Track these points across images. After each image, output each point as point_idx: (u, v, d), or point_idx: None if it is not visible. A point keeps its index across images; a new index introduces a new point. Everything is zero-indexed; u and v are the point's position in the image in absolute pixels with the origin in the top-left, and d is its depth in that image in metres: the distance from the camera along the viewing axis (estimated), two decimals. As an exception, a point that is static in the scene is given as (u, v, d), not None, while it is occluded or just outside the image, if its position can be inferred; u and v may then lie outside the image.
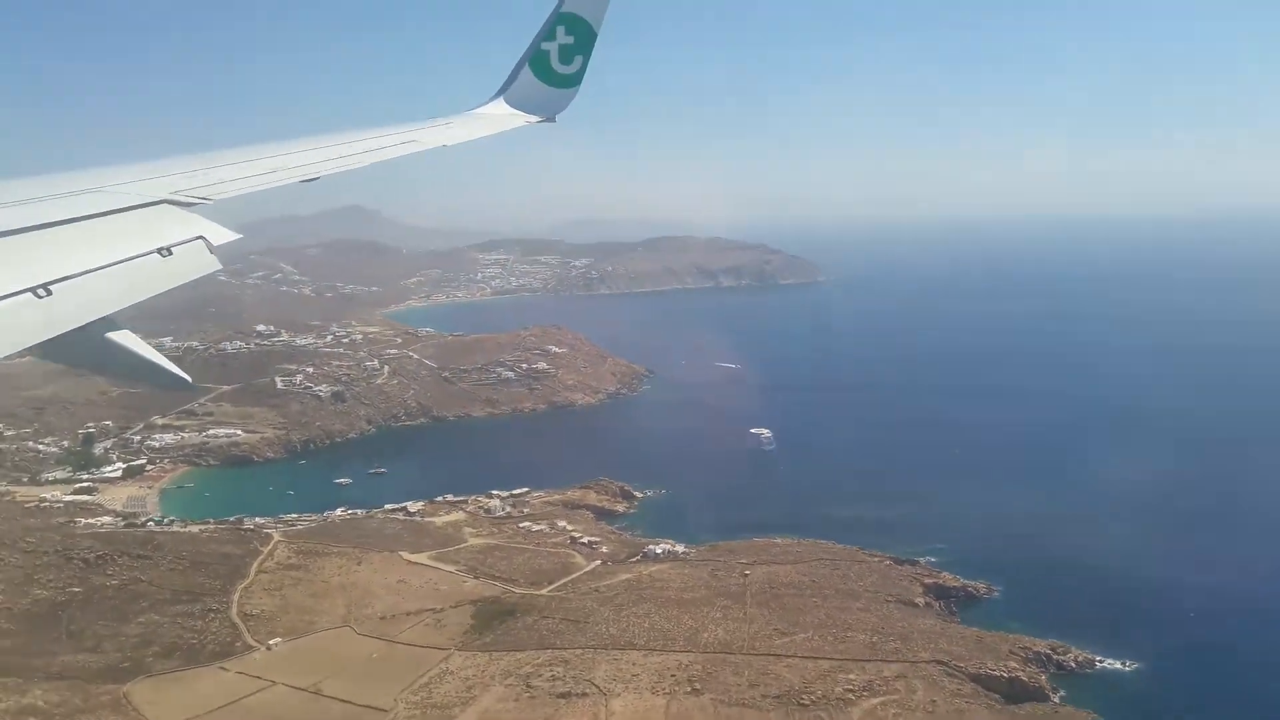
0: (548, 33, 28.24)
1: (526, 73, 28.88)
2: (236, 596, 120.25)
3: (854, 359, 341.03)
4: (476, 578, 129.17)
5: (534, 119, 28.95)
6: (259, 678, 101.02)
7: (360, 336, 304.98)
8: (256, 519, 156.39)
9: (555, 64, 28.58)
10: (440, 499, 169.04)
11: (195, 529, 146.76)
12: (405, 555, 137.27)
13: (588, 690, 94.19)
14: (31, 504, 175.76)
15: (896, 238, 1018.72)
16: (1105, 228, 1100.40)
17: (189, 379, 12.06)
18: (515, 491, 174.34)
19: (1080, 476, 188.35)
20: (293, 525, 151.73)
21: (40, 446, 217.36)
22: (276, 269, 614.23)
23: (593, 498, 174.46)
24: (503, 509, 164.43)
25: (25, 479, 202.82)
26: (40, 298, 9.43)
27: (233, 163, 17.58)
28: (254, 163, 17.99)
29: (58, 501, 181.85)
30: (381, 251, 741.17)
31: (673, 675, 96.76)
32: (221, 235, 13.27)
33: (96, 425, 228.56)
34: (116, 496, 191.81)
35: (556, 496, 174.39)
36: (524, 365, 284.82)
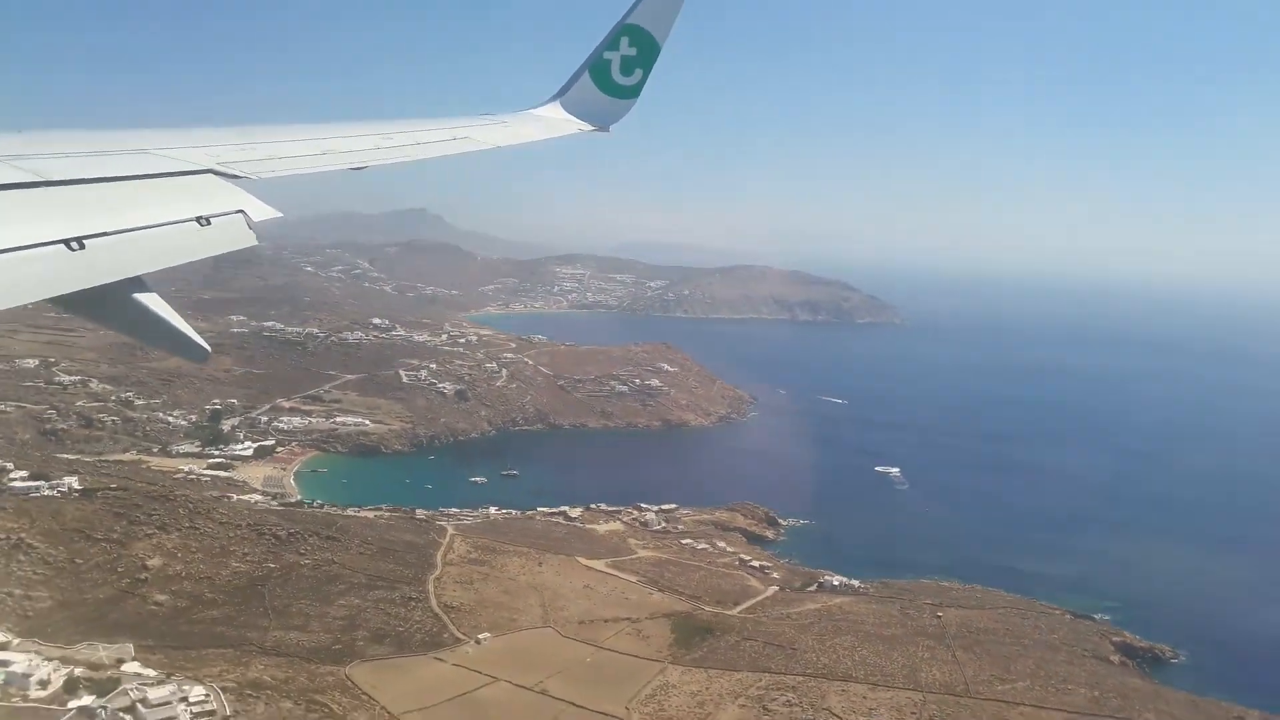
0: (611, 42, 27.52)
1: (586, 80, 28.19)
2: (431, 587, 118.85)
3: (952, 402, 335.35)
4: (661, 590, 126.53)
5: (588, 127, 28.27)
6: (478, 672, 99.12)
7: (475, 338, 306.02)
8: (418, 511, 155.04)
9: (616, 74, 27.94)
10: (594, 507, 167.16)
11: (370, 514, 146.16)
12: (582, 560, 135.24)
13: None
14: (179, 475, 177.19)
15: (962, 284, 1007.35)
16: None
17: (208, 348, 11.42)
18: (664, 507, 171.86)
19: (1231, 534, 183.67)
20: (458, 520, 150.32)
21: (170, 419, 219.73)
22: (355, 265, 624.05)
23: (740, 520, 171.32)
24: (658, 523, 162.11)
25: (156, 449, 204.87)
26: (73, 250, 9.25)
27: (282, 139, 16.92)
28: (304, 142, 17.31)
29: (203, 474, 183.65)
30: (457, 255, 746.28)
31: (913, 714, 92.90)
32: (262, 211, 12.73)
33: (222, 402, 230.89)
34: (252, 475, 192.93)
35: (705, 516, 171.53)
36: (637, 381, 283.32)
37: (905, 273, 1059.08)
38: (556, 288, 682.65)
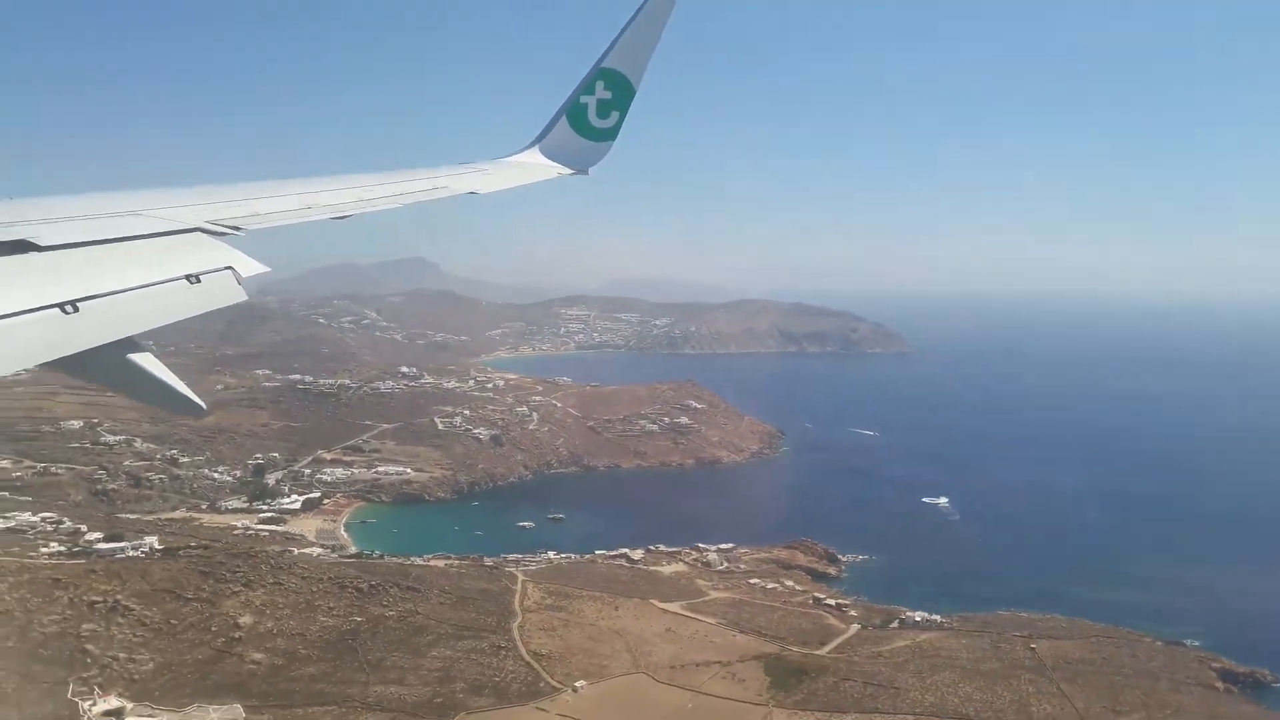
0: (587, 87, 27.93)
1: (563, 124, 28.55)
2: (517, 635, 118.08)
3: (983, 430, 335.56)
4: (743, 632, 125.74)
5: (567, 171, 28.61)
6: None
7: (502, 383, 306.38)
8: (485, 558, 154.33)
9: (592, 118, 28.34)
10: (654, 549, 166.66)
11: (439, 563, 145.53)
12: (657, 604, 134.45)
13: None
14: (236, 531, 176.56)
15: (964, 310, 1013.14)
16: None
17: (203, 405, 11.58)
18: (722, 546, 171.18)
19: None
20: (524, 565, 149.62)
21: (215, 475, 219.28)
22: (363, 315, 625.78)
23: (801, 558, 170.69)
24: (720, 563, 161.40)
25: (204, 505, 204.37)
26: (67, 314, 9.42)
27: (266, 196, 17.49)
28: (287, 197, 17.87)
29: (259, 529, 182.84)
30: (459, 302, 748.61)
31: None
32: (250, 267, 13.04)
33: (265, 457, 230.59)
34: (304, 528, 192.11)
35: (764, 554, 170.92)
36: (666, 419, 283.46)
37: (903, 301, 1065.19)
38: (563, 329, 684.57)
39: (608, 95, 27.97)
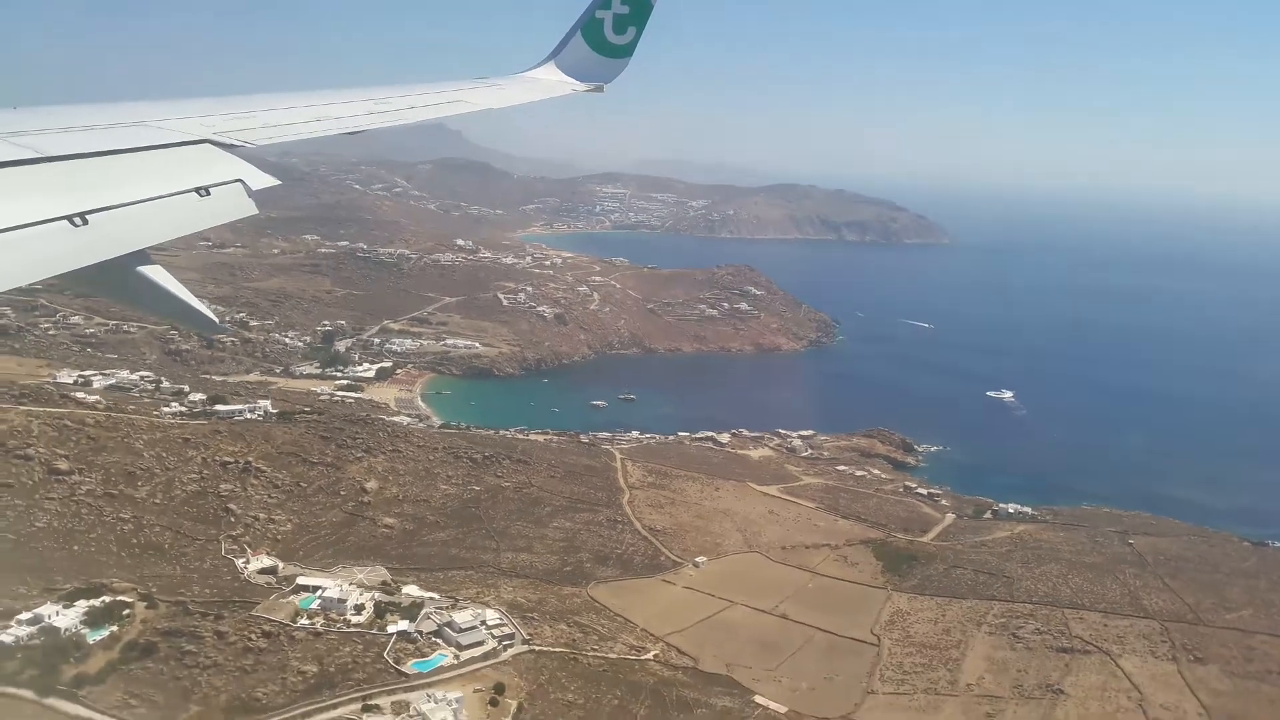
0: (603, 2, 27.34)
1: (578, 40, 27.95)
2: (629, 510, 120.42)
3: (1036, 324, 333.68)
4: (844, 517, 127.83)
5: (583, 86, 28.03)
6: (712, 595, 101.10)
7: (560, 260, 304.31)
8: (582, 435, 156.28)
9: (608, 33, 27.74)
10: (738, 433, 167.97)
11: (539, 437, 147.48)
12: (754, 486, 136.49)
13: (1084, 648, 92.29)
14: (324, 397, 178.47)
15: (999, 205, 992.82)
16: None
17: (217, 320, 11.53)
18: (803, 433, 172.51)
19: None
20: (616, 444, 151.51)
21: (286, 340, 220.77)
22: (394, 182, 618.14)
23: (880, 447, 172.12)
24: (805, 449, 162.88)
25: (278, 370, 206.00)
26: (76, 226, 9.30)
27: (276, 108, 17.06)
28: (298, 109, 17.50)
29: (344, 396, 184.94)
30: (490, 174, 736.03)
31: (1162, 640, 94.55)
32: (260, 180, 12.76)
33: (332, 324, 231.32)
34: (383, 395, 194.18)
35: (844, 442, 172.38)
36: (725, 304, 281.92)
37: (940, 193, 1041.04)
38: (598, 208, 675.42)
39: (624, 10, 27.40)
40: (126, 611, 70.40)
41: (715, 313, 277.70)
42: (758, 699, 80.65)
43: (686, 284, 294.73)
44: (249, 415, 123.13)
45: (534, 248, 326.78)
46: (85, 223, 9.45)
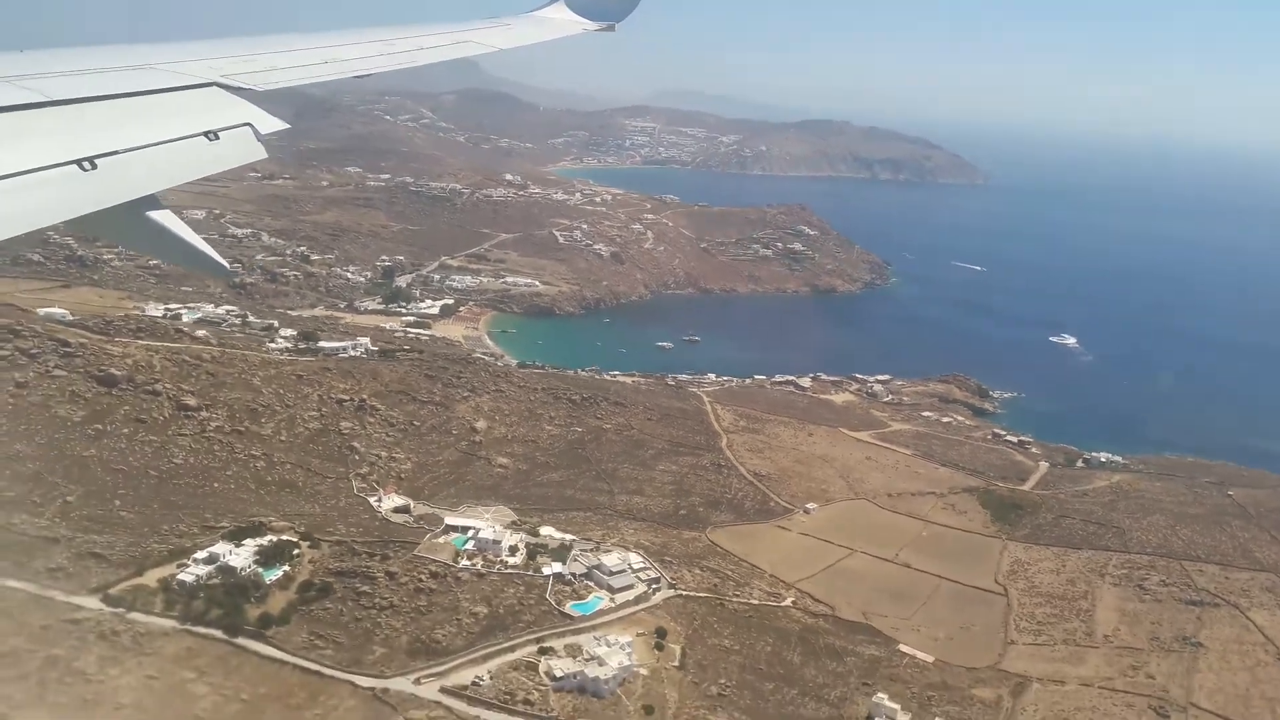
0: None
1: None
2: (730, 454, 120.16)
3: (1088, 268, 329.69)
4: (941, 464, 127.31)
5: (594, 25, 27.59)
6: (829, 542, 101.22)
7: (610, 197, 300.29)
8: (668, 377, 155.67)
9: None
10: (818, 377, 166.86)
11: (625, 379, 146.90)
12: (846, 431, 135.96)
13: (1212, 601, 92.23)
14: (399, 333, 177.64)
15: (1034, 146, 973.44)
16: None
17: (227, 265, 11.52)
18: (880, 378, 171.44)
19: None
20: (699, 386, 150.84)
21: (347, 274, 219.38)
22: (420, 113, 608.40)
23: (957, 393, 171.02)
24: (885, 394, 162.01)
25: (342, 305, 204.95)
26: (85, 170, 9.26)
27: (283, 50, 16.75)
28: (306, 51, 17.20)
29: (413, 332, 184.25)
30: (516, 106, 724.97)
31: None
32: (268, 123, 12.62)
33: (391, 259, 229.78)
34: (450, 332, 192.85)
35: (922, 388, 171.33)
36: (779, 244, 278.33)
37: (978, 133, 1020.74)
38: (628, 142, 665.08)
39: None
40: (296, 551, 70.64)
41: (769, 253, 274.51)
42: (903, 648, 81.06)
43: (739, 223, 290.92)
44: (352, 352, 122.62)
45: (581, 184, 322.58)
46: (94, 167, 9.37)
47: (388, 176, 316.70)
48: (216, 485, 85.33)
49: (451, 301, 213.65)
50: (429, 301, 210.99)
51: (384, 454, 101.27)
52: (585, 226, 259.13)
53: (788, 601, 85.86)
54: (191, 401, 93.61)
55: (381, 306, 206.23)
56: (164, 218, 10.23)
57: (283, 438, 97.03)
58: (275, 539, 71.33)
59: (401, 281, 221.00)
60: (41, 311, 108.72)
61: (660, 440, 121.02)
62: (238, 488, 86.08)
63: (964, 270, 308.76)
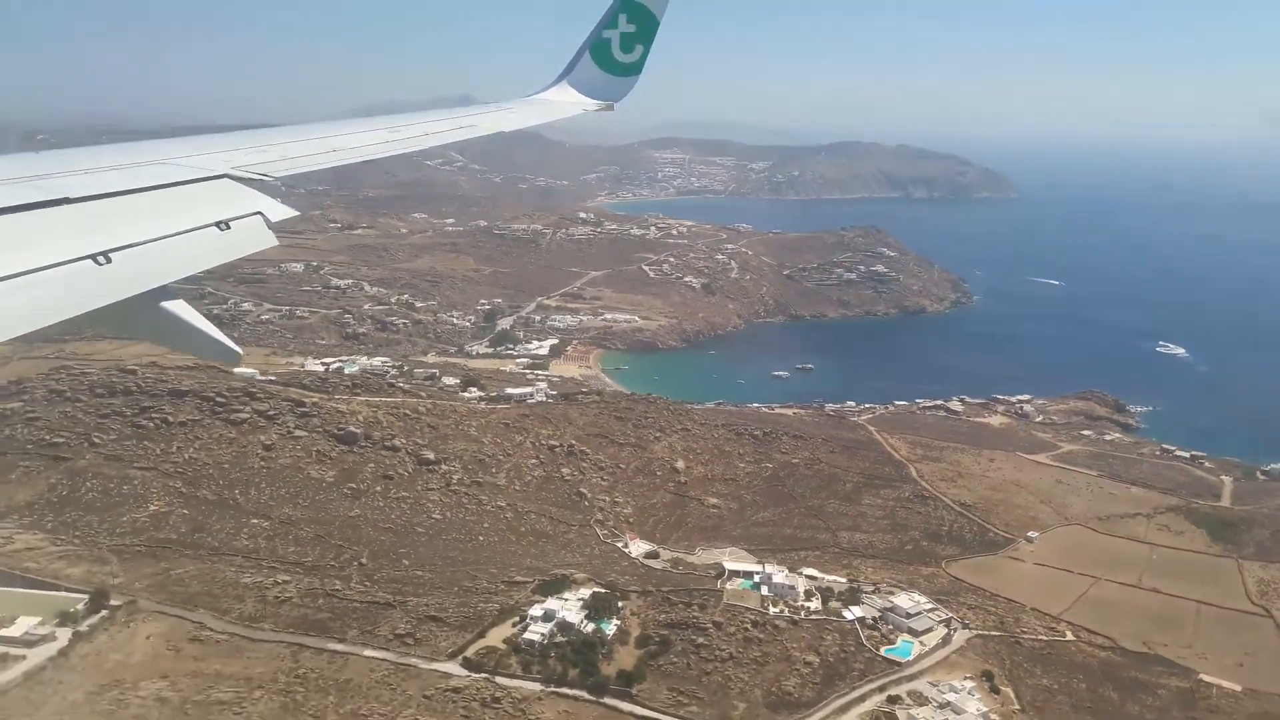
0: (610, 21, 27.57)
1: (587, 60, 28.27)
2: (925, 485, 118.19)
3: (1152, 279, 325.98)
4: (1133, 485, 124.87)
5: (594, 105, 28.32)
6: (1067, 570, 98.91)
7: (685, 229, 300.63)
8: (827, 406, 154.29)
9: (616, 52, 28.01)
10: (964, 400, 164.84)
11: (786, 411, 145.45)
12: (1022, 455, 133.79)
13: None
14: (529, 374, 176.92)
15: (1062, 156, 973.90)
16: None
17: (240, 351, 10.85)
18: (1021, 398, 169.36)
19: None
20: (855, 415, 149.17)
21: (453, 320, 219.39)
22: (451, 157, 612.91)
23: (1098, 409, 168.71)
24: (1036, 415, 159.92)
25: (452, 350, 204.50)
26: (100, 265, 9.44)
27: (292, 140, 17.41)
28: (313, 141, 17.80)
29: (534, 375, 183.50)
30: (544, 144, 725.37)
31: None
32: (279, 212, 12.97)
33: (489, 302, 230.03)
34: (566, 372, 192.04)
35: (1063, 405, 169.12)
36: (861, 267, 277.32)
37: (1002, 147, 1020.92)
38: (660, 174, 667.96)
39: (631, 28, 27.61)
40: (621, 604, 69.07)
41: (853, 276, 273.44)
42: (1204, 677, 78.56)
43: (817, 248, 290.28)
44: (539, 398, 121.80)
45: (654, 218, 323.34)
46: (109, 260, 9.53)
47: (452, 221, 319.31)
48: (481, 539, 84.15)
49: (557, 341, 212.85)
50: (535, 342, 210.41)
51: (606, 498, 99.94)
52: (672, 260, 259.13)
53: (1069, 636, 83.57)
54: (430, 455, 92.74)
55: (491, 350, 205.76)
56: (178, 307, 10.29)
57: (516, 487, 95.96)
58: (592, 592, 69.77)
59: (504, 324, 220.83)
60: (236, 370, 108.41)
61: (852, 473, 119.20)
62: (500, 540, 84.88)
63: (1042, 285, 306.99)
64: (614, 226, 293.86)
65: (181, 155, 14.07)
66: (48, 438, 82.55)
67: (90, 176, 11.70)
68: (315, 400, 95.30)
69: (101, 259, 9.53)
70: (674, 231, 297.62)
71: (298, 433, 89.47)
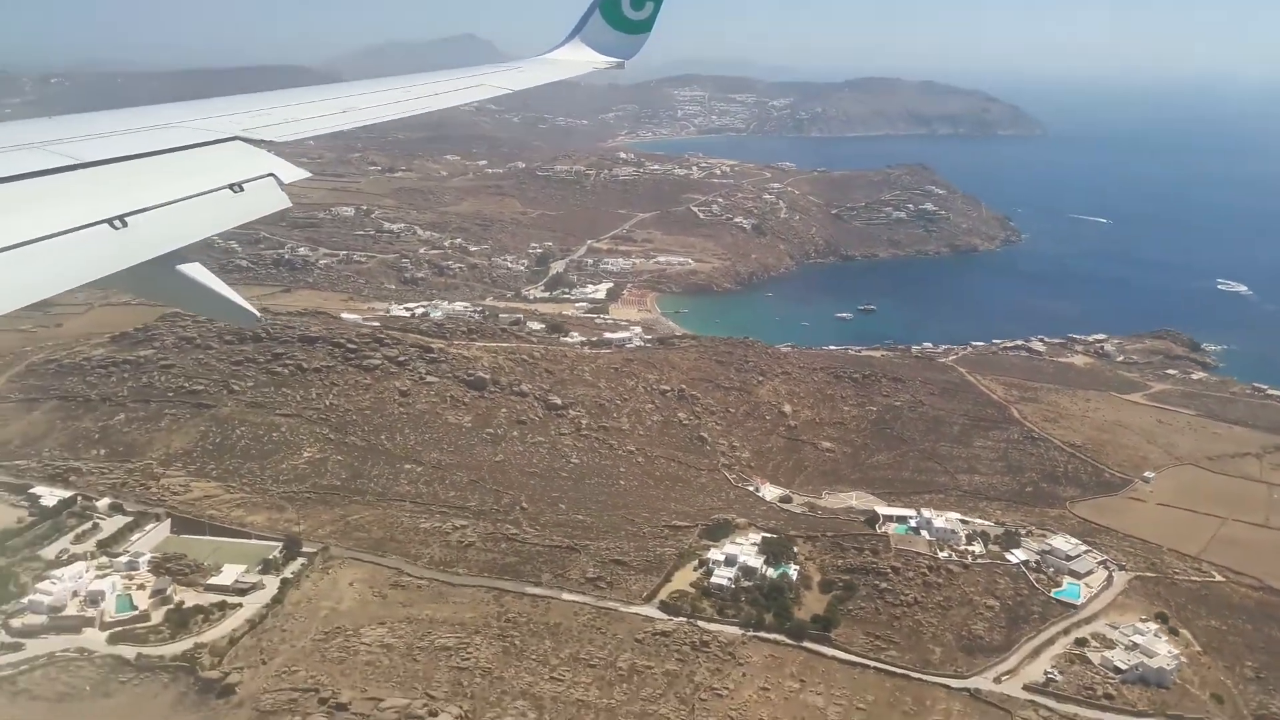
0: None
1: (597, 17, 28.10)
2: (1031, 426, 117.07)
3: (1199, 217, 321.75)
4: (1234, 424, 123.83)
5: (604, 63, 28.18)
6: (1192, 510, 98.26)
7: (727, 169, 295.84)
8: (912, 347, 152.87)
9: (626, 9, 27.84)
10: (1042, 339, 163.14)
11: (874, 353, 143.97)
12: (1118, 395, 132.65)
13: None
14: (595, 320, 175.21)
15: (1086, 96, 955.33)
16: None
17: (258, 314, 11.15)
18: (1097, 336, 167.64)
19: None
20: (931, 356, 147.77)
21: (507, 264, 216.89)
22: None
23: (1175, 348, 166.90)
24: (1118, 354, 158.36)
25: (510, 294, 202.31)
26: (116, 229, 9.49)
27: (301, 102, 17.25)
28: (323, 103, 17.70)
29: (599, 319, 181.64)
30: (561, 82, 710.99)
31: None
32: (291, 173, 12.81)
33: (540, 245, 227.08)
34: (627, 316, 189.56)
35: (1140, 345, 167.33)
36: (910, 206, 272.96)
37: (1025, 83, 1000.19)
38: (680, 112, 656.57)
39: None
40: (795, 548, 68.44)
41: (902, 214, 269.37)
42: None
43: (864, 186, 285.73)
44: (636, 342, 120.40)
45: (695, 158, 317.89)
46: (125, 225, 9.50)
47: (485, 162, 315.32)
48: (621, 484, 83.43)
49: (612, 285, 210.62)
50: (591, 286, 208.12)
51: (724, 443, 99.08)
52: (721, 200, 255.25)
53: (1218, 577, 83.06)
54: (557, 400, 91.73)
55: (548, 294, 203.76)
56: (194, 270, 10.20)
57: (640, 431, 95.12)
58: (763, 536, 69.10)
59: (556, 268, 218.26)
60: (343, 315, 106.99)
61: (956, 415, 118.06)
62: (640, 485, 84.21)
63: (1089, 223, 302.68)
64: (656, 167, 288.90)
65: (191, 119, 14.06)
66: (186, 385, 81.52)
67: (103, 141, 11.66)
68: (441, 346, 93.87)
69: (118, 223, 9.50)
70: (717, 171, 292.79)
71: (429, 379, 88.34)
